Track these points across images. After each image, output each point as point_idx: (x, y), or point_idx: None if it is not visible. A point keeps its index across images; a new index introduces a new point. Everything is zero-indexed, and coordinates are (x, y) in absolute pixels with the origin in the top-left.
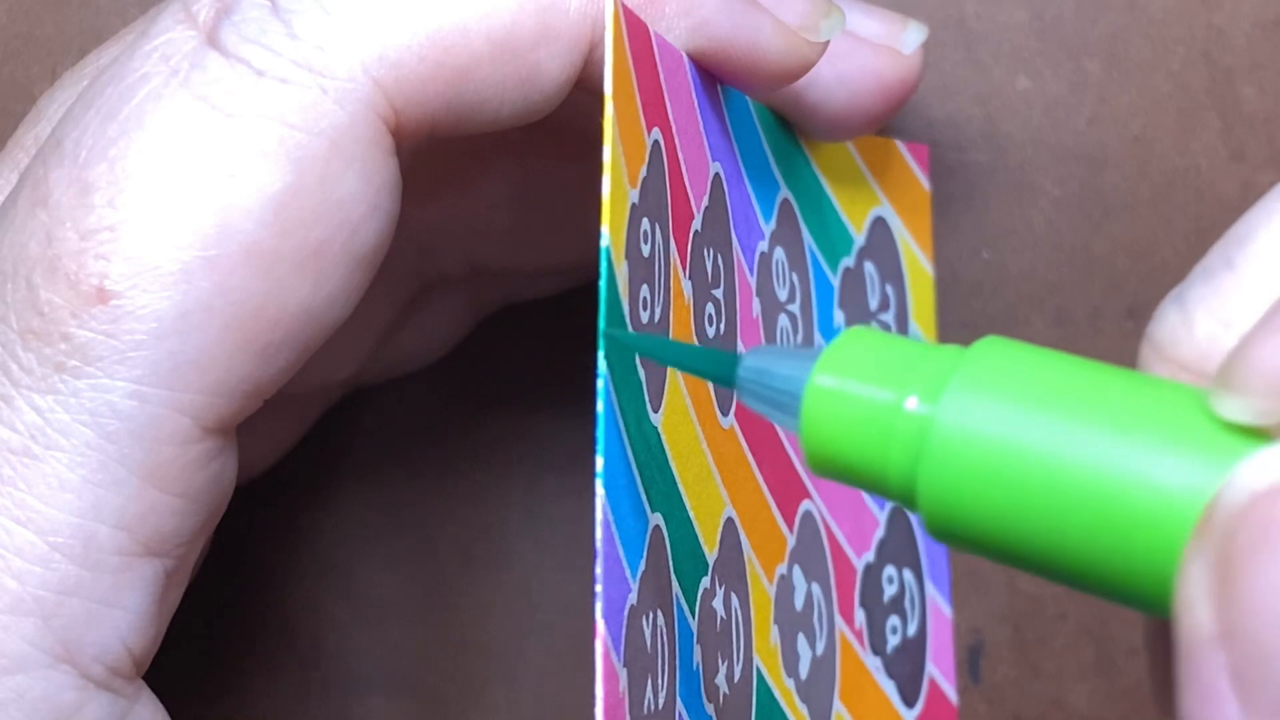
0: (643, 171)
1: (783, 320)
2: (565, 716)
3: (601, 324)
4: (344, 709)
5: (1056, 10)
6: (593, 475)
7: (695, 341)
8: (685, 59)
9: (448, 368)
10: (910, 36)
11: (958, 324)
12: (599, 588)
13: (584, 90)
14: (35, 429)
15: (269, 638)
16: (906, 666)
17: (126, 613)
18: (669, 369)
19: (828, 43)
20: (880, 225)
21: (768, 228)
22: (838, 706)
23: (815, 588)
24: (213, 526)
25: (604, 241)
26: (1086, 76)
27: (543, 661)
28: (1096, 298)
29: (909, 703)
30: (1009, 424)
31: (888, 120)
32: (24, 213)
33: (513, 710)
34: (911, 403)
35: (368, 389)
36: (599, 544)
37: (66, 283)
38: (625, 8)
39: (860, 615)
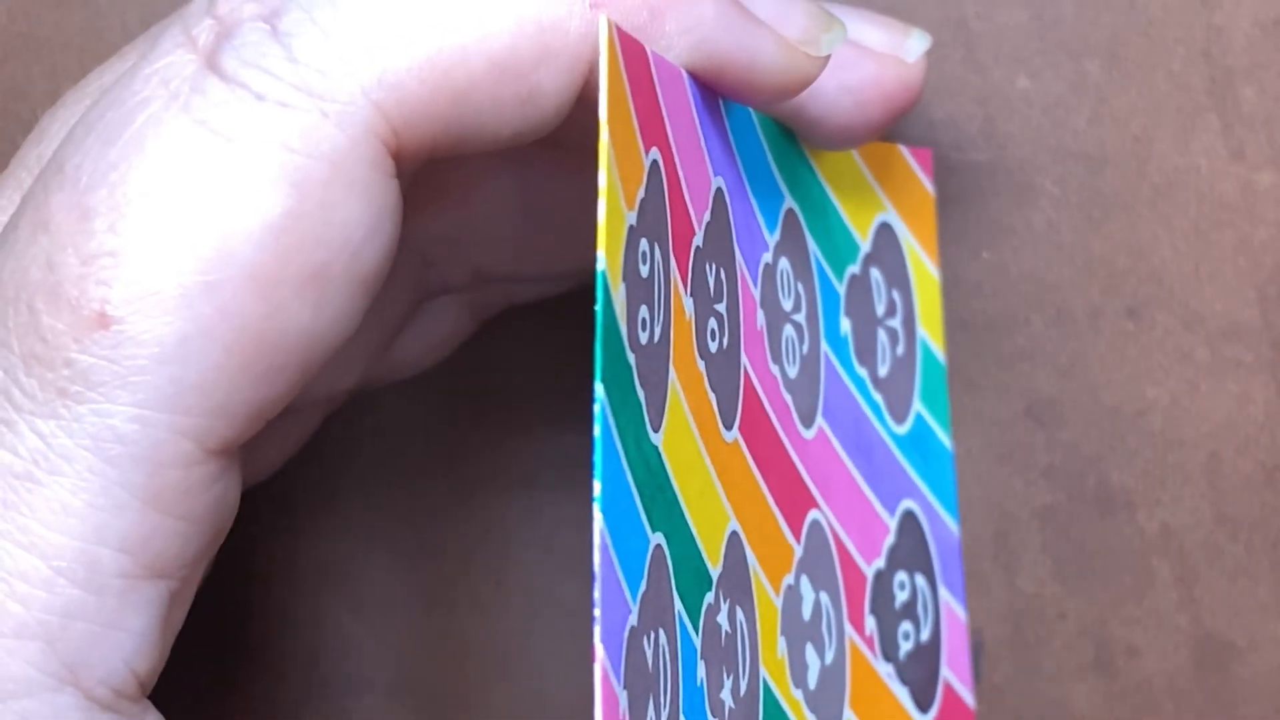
0: (640, 193)
1: (788, 330)
2: (565, 717)
3: (598, 347)
4: (344, 709)
5: (1056, 10)
6: (590, 500)
7: (697, 357)
8: (685, 75)
9: (448, 369)
10: (913, 44)
11: (958, 324)
12: (597, 612)
13: (585, 107)
14: (38, 454)
15: (269, 638)
16: (920, 672)
17: (130, 635)
18: (670, 387)
19: (829, 57)
20: (886, 231)
21: (772, 239)
22: (848, 714)
23: (824, 597)
24: (217, 546)
25: (600, 266)
26: (1086, 76)
27: (543, 662)
28: (1096, 298)
29: (923, 708)
30: None
31: (891, 128)
32: (25, 238)
33: (513, 710)
34: None
35: (369, 391)
36: (597, 568)
37: (68, 308)
38: (620, 31)
39: (871, 622)
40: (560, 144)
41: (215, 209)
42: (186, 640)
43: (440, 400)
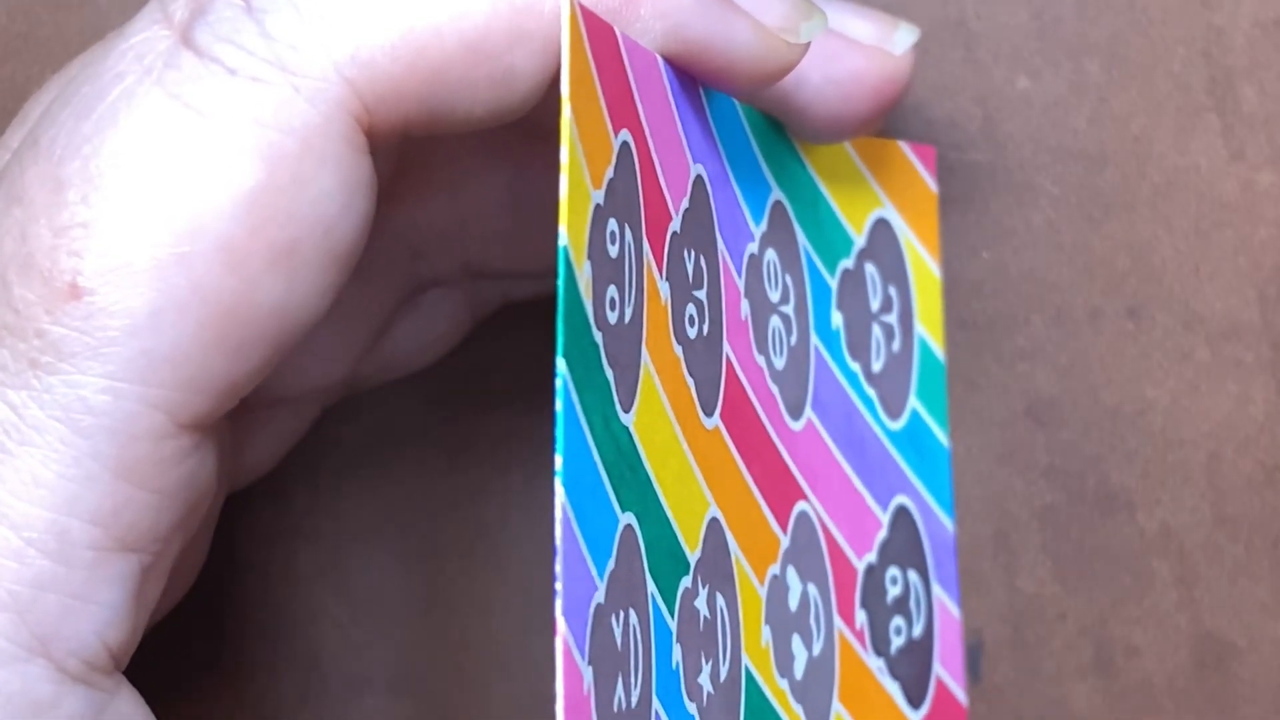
0: (609, 172)
1: (774, 321)
2: None
3: (560, 323)
4: (344, 709)
5: (1056, 10)
6: (552, 474)
7: (674, 342)
8: (660, 61)
9: (447, 366)
10: (901, 37)
11: (958, 324)
12: (559, 585)
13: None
14: (9, 425)
15: (269, 638)
16: (912, 668)
17: (102, 607)
18: (643, 369)
19: (808, 45)
20: (883, 227)
21: (758, 230)
22: (837, 707)
23: (812, 588)
24: (194, 524)
25: (562, 241)
26: (1086, 76)
27: (543, 660)
28: (1096, 298)
29: (914, 704)
30: None
31: (879, 122)
32: (0, 211)
33: (513, 710)
34: None
35: (367, 389)
36: (559, 542)
37: (40, 279)
38: (586, 11)
39: (861, 616)
40: (546, 134)
41: (187, 182)
42: (186, 639)
43: (440, 399)
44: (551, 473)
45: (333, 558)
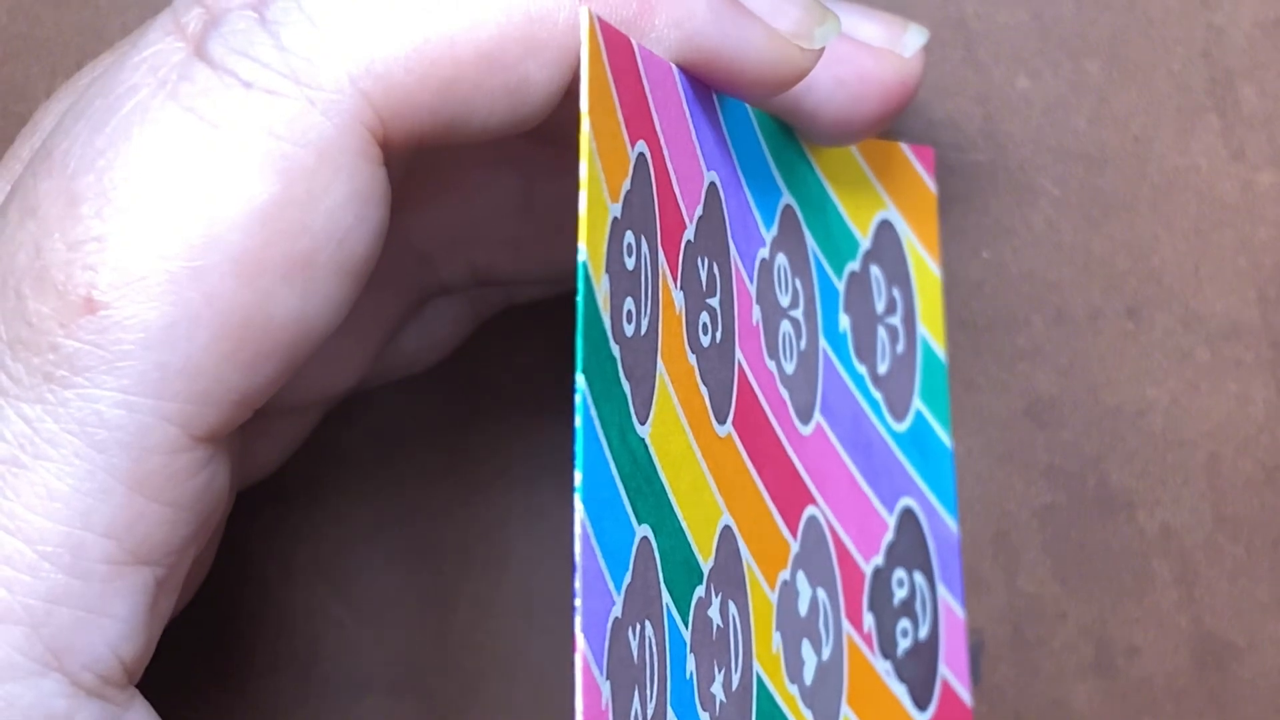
0: (626, 185)
1: (785, 326)
2: (565, 717)
3: (579, 338)
4: (344, 709)
5: (1056, 10)
6: (571, 490)
7: (688, 351)
8: (674, 69)
9: (448, 368)
10: (910, 39)
11: (958, 324)
12: (578, 602)
13: (576, 101)
14: (24, 438)
15: (269, 638)
16: (918, 669)
17: (116, 621)
18: (658, 379)
19: (822, 50)
20: (886, 229)
21: (769, 234)
22: (845, 711)
23: (820, 593)
24: (207, 535)
25: (581, 257)
26: (1086, 76)
27: (542, 661)
28: (1096, 298)
29: (921, 705)
30: None
31: (888, 124)
32: (13, 223)
33: (513, 710)
34: None
35: (369, 390)
36: (578, 558)
37: (54, 293)
38: (603, 23)
39: (869, 619)
40: (557, 141)
41: (202, 195)
42: (186, 639)
43: (440, 400)
44: (551, 472)
45: (333, 558)
